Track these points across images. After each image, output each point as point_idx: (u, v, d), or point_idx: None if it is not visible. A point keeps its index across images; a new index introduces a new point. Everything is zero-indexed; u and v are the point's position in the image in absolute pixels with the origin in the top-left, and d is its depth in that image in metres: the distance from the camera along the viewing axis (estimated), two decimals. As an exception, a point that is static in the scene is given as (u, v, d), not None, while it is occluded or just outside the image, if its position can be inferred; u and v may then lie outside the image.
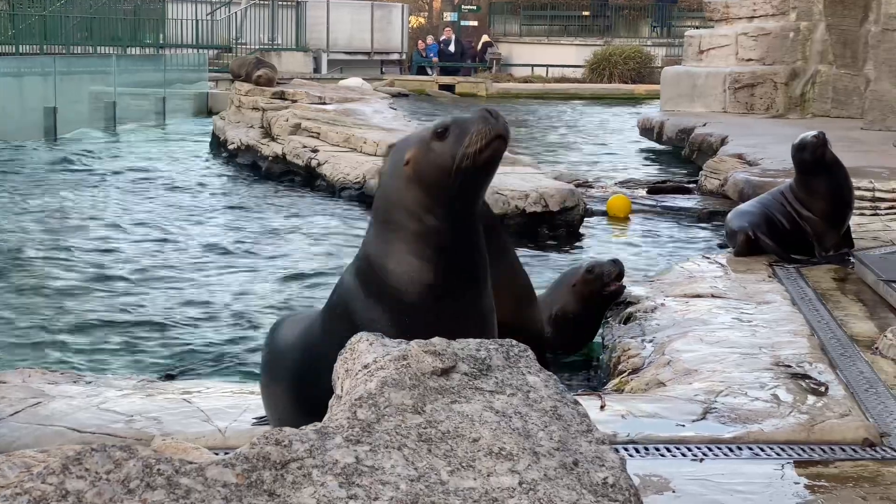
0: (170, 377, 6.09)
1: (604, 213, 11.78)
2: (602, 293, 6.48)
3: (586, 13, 44.44)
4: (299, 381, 3.55)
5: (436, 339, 2.58)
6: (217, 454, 2.38)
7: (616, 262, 6.60)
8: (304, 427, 2.31)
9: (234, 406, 4.38)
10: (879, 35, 14.67)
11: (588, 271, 6.53)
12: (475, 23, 44.79)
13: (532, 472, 2.26)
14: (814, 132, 7.98)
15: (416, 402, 2.39)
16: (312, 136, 15.92)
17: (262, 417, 4.19)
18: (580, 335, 6.64)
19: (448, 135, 3.29)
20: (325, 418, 2.43)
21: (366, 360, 2.59)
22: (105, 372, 6.21)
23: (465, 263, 3.37)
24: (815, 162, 7.83)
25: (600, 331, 6.71)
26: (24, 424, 4.10)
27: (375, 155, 14.25)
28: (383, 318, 3.31)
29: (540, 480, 2.24)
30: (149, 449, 2.22)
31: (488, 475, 2.24)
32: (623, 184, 13.85)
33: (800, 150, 7.88)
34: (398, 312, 3.29)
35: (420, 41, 41.18)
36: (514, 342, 2.66)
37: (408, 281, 3.33)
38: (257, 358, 6.96)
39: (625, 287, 6.67)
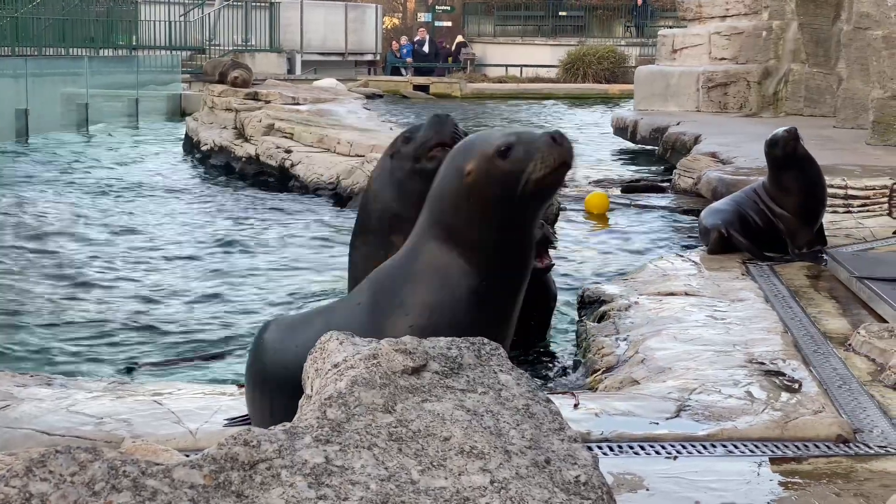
0: (130, 371, 6.07)
1: (578, 212, 11.78)
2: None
3: (562, 13, 44.51)
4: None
5: (406, 338, 2.57)
6: (188, 456, 2.35)
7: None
8: (272, 427, 2.28)
9: (205, 407, 4.35)
10: (851, 34, 14.73)
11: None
12: (449, 23, 44.81)
13: (503, 471, 2.24)
14: (785, 127, 8.00)
15: (386, 402, 2.36)
16: (286, 137, 15.88)
17: (234, 419, 4.16)
18: None
19: (511, 154, 3.24)
20: (295, 418, 2.40)
21: (336, 359, 2.56)
22: (76, 374, 6.16)
23: (511, 276, 3.38)
24: (787, 157, 7.85)
25: (573, 328, 6.70)
26: (-8, 428, 4.06)
27: (349, 155, 14.22)
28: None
29: (511, 479, 2.22)
30: (115, 451, 2.18)
31: (459, 474, 2.22)
32: (597, 183, 13.86)
33: (772, 146, 7.90)
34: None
35: (394, 42, 41.16)
36: (486, 340, 2.64)
37: (455, 283, 3.33)
38: (229, 359, 6.95)
39: (553, 264, 6.58)
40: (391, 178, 5.05)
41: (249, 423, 3.96)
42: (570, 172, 3.33)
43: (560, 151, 3.24)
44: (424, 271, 3.40)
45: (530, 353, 6.41)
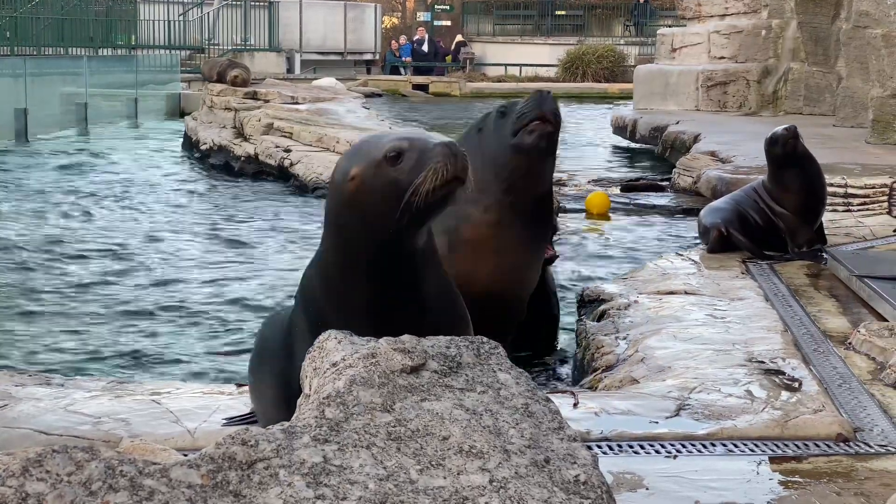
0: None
1: (577, 211, 11.77)
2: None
3: (561, 12, 44.51)
4: (280, 379, 3.48)
5: (405, 337, 2.55)
6: (186, 455, 2.34)
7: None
8: (271, 426, 2.27)
9: (204, 407, 4.34)
10: (851, 32, 14.71)
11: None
12: (448, 23, 44.78)
13: (503, 471, 2.23)
14: (785, 126, 7.99)
15: (385, 401, 2.36)
16: (285, 136, 15.87)
17: (232, 418, 4.15)
18: None
19: (402, 161, 3.04)
20: (293, 417, 2.39)
21: (334, 358, 2.55)
22: (75, 374, 6.15)
23: (400, 285, 3.18)
24: (787, 155, 7.84)
25: (573, 327, 6.69)
26: (-10, 427, 4.05)
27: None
28: (312, 329, 3.11)
29: (511, 478, 2.21)
30: (112, 450, 2.17)
31: (458, 473, 2.21)
32: (596, 182, 13.85)
33: (772, 144, 7.88)
34: (324, 326, 2.96)
35: (393, 41, 41.15)
36: (486, 339, 2.63)
37: (342, 296, 3.21)
38: (227, 360, 6.94)
39: (557, 255, 6.58)
40: (478, 153, 5.00)
41: (247, 423, 3.95)
42: (462, 189, 3.04)
43: (453, 163, 2.98)
44: (321, 279, 3.30)
45: (531, 351, 6.39)
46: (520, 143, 5.19)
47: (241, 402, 4.38)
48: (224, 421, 4.12)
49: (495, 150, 5.21)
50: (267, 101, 18.32)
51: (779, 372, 4.87)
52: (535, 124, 5.18)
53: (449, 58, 40.95)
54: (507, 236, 5.21)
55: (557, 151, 5.53)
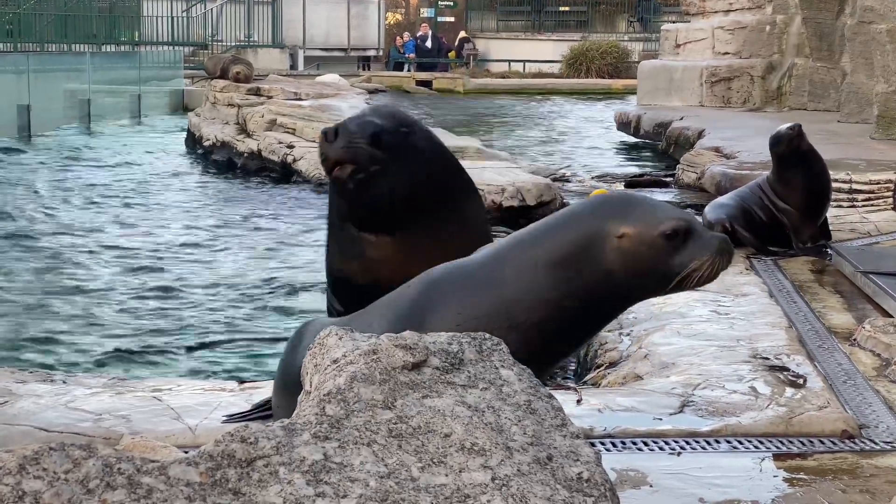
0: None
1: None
2: None
3: (564, 8, 44.47)
4: None
5: (406, 333, 2.53)
6: (186, 453, 2.32)
7: None
8: (270, 423, 2.25)
9: (205, 403, 4.32)
10: (855, 28, 14.67)
11: None
12: (452, 19, 44.74)
13: (505, 468, 2.21)
14: (789, 124, 7.96)
15: (386, 397, 2.33)
16: (288, 132, 15.85)
17: (233, 415, 4.13)
18: None
19: (678, 242, 3.12)
20: (294, 414, 2.37)
21: (335, 354, 2.53)
22: (76, 371, 6.14)
23: (578, 333, 3.36)
24: (792, 153, 7.81)
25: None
26: (-10, 424, 4.03)
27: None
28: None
29: (513, 476, 2.19)
30: (110, 448, 2.15)
31: (460, 471, 2.19)
32: (600, 178, 13.82)
33: (776, 142, 7.85)
34: None
35: (398, 37, 41.11)
36: (488, 335, 2.61)
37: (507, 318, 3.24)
38: (231, 354, 6.93)
39: None
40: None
41: (248, 420, 3.93)
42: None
43: (728, 259, 3.17)
44: (488, 287, 3.27)
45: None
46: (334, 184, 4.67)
47: (243, 399, 4.36)
48: (224, 418, 4.10)
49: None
50: (270, 98, 18.31)
51: (783, 368, 4.85)
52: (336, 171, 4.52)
53: (452, 54, 40.91)
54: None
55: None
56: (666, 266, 3.14)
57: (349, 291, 4.66)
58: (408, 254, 4.47)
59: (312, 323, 3.96)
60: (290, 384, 3.73)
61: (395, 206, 4.50)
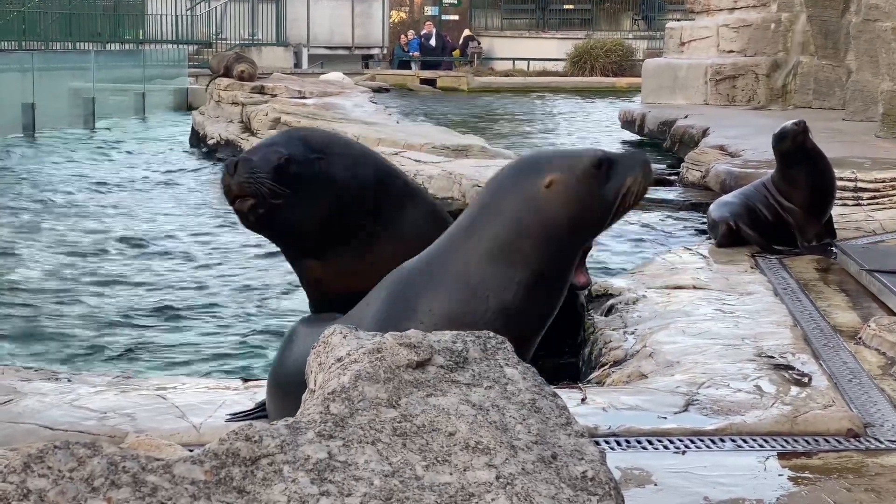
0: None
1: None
2: None
3: (568, 6, 44.43)
4: None
5: (411, 332, 2.53)
6: (191, 451, 2.32)
7: None
8: (275, 422, 2.25)
9: (209, 402, 4.32)
10: (860, 25, 14.65)
11: None
12: (456, 17, 44.72)
13: (509, 466, 2.21)
14: (794, 120, 7.95)
15: (390, 396, 2.33)
16: (292, 131, 15.83)
17: (236, 414, 4.13)
18: None
19: (605, 169, 3.25)
20: (298, 413, 2.37)
21: (339, 353, 2.53)
22: (81, 369, 6.14)
23: (544, 303, 3.37)
24: (796, 150, 7.80)
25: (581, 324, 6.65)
26: (-6, 423, 4.03)
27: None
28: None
29: (517, 474, 2.19)
30: (114, 446, 2.15)
31: (464, 469, 2.19)
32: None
33: (780, 139, 7.84)
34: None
35: (402, 35, 41.10)
36: (492, 334, 2.60)
37: (484, 298, 3.28)
38: (235, 352, 6.93)
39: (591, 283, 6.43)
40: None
41: (252, 419, 3.93)
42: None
43: (649, 177, 3.30)
44: (451, 280, 3.32)
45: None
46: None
47: (247, 398, 4.36)
48: (227, 417, 4.10)
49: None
50: (274, 96, 18.30)
51: (788, 367, 4.84)
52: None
53: (457, 52, 40.88)
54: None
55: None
56: (602, 193, 3.24)
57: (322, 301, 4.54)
58: (342, 274, 4.35)
59: (304, 320, 4.01)
60: (282, 384, 3.76)
61: (307, 236, 4.35)
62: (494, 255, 3.27)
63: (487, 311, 3.26)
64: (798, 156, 7.82)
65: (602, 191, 3.24)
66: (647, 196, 11.30)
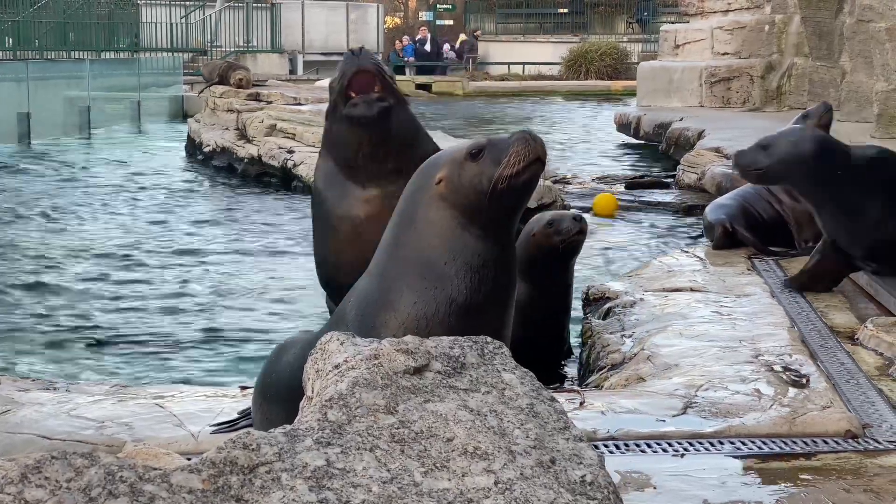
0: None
1: (582, 209, 11.72)
2: (559, 247, 6.17)
3: (563, 10, 44.48)
4: None
5: (408, 338, 2.53)
6: (189, 459, 2.31)
7: (578, 219, 6.29)
8: (272, 430, 2.25)
9: (207, 410, 4.31)
10: (854, 26, 14.66)
11: (548, 224, 6.24)
12: (451, 21, 44.77)
13: (508, 472, 2.20)
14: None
15: (388, 402, 2.33)
16: (288, 137, 15.84)
17: (220, 424, 4.11)
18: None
19: (483, 155, 3.31)
20: (296, 420, 2.36)
21: (336, 360, 2.52)
22: (78, 379, 6.13)
23: (494, 283, 3.38)
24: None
25: (578, 327, 6.65)
26: (-8, 433, 4.02)
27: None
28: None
29: (516, 479, 2.19)
30: (112, 456, 2.14)
31: (463, 475, 2.19)
32: (601, 179, 13.81)
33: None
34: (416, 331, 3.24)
35: (397, 41, 41.13)
36: (489, 339, 2.60)
37: (432, 296, 3.33)
38: (233, 360, 6.92)
39: (583, 238, 6.38)
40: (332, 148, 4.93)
41: (235, 429, 3.93)
42: (543, 170, 3.37)
43: (532, 146, 3.28)
44: (395, 294, 3.39)
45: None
46: (349, 114, 4.87)
47: (245, 405, 4.35)
48: (212, 428, 4.08)
49: (338, 130, 4.95)
50: (269, 103, 18.30)
51: (786, 368, 4.84)
52: (355, 79, 4.83)
53: (460, 56, 40.87)
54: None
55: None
56: (482, 178, 3.30)
57: (341, 288, 4.61)
58: (382, 213, 4.45)
59: (291, 340, 4.05)
60: (269, 398, 3.80)
61: (394, 151, 4.66)
62: (424, 261, 3.37)
63: (439, 313, 3.34)
64: None
65: (483, 173, 3.30)
66: (643, 199, 11.27)
